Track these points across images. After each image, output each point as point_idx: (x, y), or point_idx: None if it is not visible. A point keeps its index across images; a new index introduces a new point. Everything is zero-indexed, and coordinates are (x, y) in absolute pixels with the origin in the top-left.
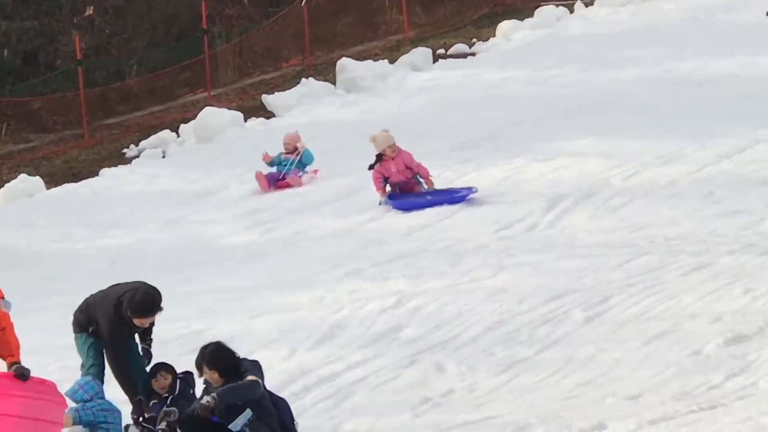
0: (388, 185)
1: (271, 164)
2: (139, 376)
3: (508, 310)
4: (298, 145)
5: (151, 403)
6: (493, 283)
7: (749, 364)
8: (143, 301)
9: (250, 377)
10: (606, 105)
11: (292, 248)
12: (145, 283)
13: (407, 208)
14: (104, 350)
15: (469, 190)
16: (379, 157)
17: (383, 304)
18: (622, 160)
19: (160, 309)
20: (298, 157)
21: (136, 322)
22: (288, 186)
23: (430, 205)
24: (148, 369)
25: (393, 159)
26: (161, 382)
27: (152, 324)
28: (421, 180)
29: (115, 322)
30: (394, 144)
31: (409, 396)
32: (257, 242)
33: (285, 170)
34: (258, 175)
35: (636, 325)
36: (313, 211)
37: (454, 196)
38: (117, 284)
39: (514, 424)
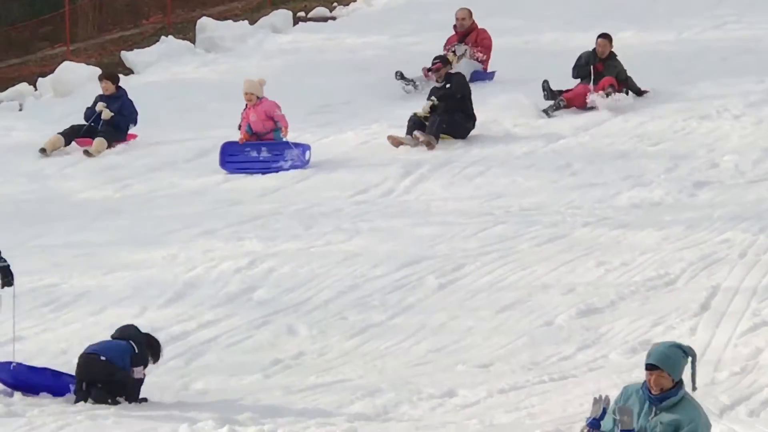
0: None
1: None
2: None
3: (361, 274)
4: None
5: None
6: (347, 248)
7: (600, 336)
8: None
9: None
10: None
11: (147, 206)
12: None
13: (240, 170)
14: None
15: (304, 147)
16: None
17: (237, 265)
18: (478, 129)
19: None
20: None
21: None
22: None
23: (263, 169)
24: None
25: (253, 107)
26: None
27: None
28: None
29: None
30: (252, 94)
31: (260, 357)
32: (112, 198)
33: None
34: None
35: (489, 293)
36: (169, 170)
37: (287, 150)
38: None
39: (364, 388)
